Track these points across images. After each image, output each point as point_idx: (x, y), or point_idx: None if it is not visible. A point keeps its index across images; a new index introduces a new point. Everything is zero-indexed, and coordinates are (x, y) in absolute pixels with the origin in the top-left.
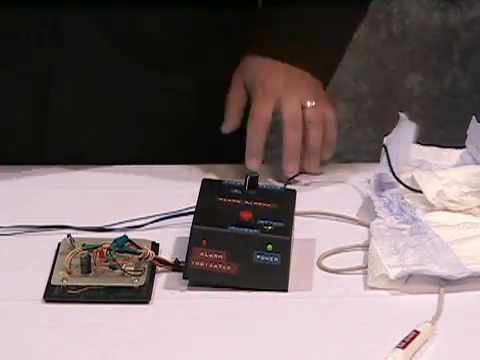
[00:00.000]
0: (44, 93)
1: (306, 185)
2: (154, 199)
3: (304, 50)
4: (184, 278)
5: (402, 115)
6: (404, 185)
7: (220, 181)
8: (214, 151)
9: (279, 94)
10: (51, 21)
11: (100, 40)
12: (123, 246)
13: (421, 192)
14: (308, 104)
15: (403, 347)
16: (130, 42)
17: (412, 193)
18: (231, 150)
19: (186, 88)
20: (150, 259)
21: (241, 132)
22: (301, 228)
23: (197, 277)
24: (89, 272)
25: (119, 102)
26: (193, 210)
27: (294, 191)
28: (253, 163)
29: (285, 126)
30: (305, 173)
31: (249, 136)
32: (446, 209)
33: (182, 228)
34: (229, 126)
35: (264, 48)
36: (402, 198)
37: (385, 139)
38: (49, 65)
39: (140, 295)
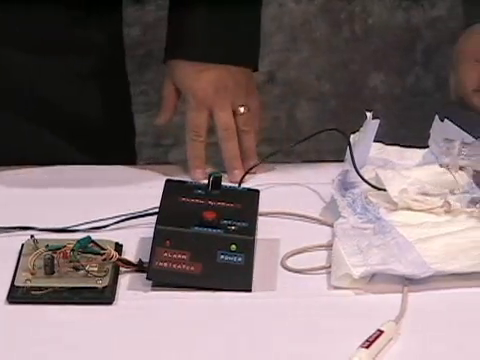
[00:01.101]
0: None
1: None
2: (117, 199)
3: (228, 45)
4: (148, 279)
5: (369, 114)
6: (368, 183)
7: (184, 181)
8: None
9: (210, 102)
10: None
11: None
12: (87, 247)
13: (385, 190)
14: (240, 110)
15: (367, 347)
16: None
17: (376, 191)
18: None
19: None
20: (114, 260)
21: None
22: (265, 228)
23: (161, 278)
24: (53, 273)
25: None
26: (157, 210)
27: (257, 191)
28: (198, 174)
29: (220, 138)
30: (249, 172)
31: (189, 149)
32: (409, 208)
33: (146, 228)
34: (162, 120)
35: (187, 52)
36: (366, 197)
37: (351, 138)
38: None
39: (104, 296)
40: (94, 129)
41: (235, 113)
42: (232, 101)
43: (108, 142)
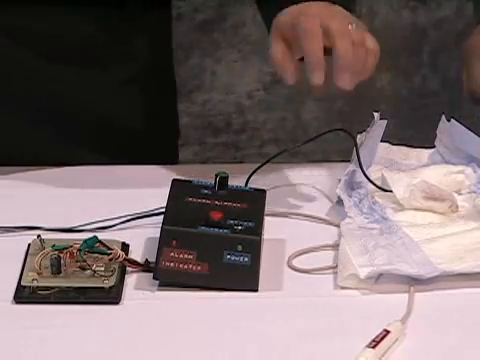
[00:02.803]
0: None
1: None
2: (124, 199)
3: None
4: (154, 278)
5: (376, 115)
6: (374, 184)
7: (190, 181)
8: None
9: (322, 15)
10: None
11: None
12: (93, 247)
13: (391, 191)
14: (350, 26)
15: (373, 347)
16: (36, 39)
17: (382, 192)
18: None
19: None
20: (120, 260)
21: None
22: (271, 228)
23: (167, 277)
24: (59, 273)
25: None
26: (163, 210)
27: (264, 191)
28: (318, 77)
29: (335, 37)
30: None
31: (308, 47)
32: (416, 208)
33: (152, 228)
34: (292, 77)
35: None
36: (372, 197)
37: (357, 138)
38: None
39: (110, 296)
40: (137, 131)
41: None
42: (343, 19)
43: (151, 144)
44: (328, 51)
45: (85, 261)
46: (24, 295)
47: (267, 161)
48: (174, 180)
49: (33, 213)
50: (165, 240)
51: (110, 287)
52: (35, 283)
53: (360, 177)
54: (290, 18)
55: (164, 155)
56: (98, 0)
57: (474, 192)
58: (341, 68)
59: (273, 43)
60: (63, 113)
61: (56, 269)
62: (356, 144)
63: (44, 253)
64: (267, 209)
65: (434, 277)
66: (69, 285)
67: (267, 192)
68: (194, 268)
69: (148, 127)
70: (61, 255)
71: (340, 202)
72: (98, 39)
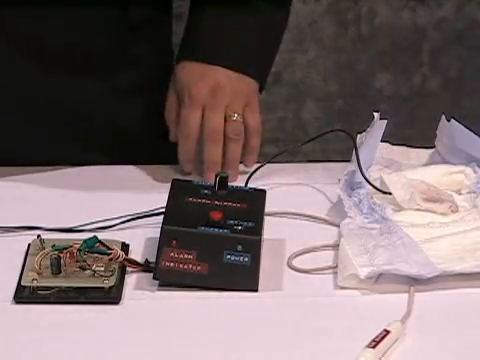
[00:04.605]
0: None
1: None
2: (124, 199)
3: (233, 50)
4: (154, 278)
5: (376, 115)
6: (374, 187)
7: (190, 181)
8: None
9: (204, 101)
10: None
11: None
12: (93, 247)
13: (390, 193)
14: (231, 117)
15: (373, 347)
16: (33, 42)
17: (381, 194)
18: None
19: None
20: (120, 260)
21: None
22: (271, 228)
23: (167, 277)
24: (59, 273)
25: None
26: (163, 210)
27: (264, 191)
28: (187, 166)
29: (205, 140)
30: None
31: (180, 146)
32: (416, 209)
33: (152, 228)
34: (173, 138)
35: (192, 52)
36: (372, 197)
37: (357, 138)
38: None
39: (110, 296)
40: (138, 131)
41: (226, 119)
42: (226, 105)
43: (151, 144)
44: None
45: (85, 261)
46: (24, 295)
47: (267, 161)
48: (174, 180)
49: (33, 213)
50: (165, 240)
51: (110, 287)
52: (35, 283)
53: (360, 177)
54: (184, 84)
55: (164, 155)
56: (100, 5)
57: (474, 192)
58: (207, 169)
59: (169, 96)
60: (63, 114)
61: (56, 269)
62: (356, 144)
63: (44, 253)
64: (267, 209)
65: (434, 277)
66: (69, 285)
67: (267, 192)
68: (194, 268)
69: (149, 127)
70: (61, 255)
71: (340, 202)
72: (100, 46)
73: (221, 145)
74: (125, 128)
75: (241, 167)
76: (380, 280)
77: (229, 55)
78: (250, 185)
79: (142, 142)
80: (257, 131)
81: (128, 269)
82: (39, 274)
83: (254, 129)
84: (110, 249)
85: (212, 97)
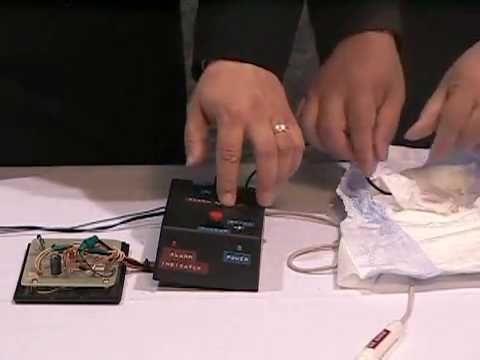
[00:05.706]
0: None
1: None
2: (124, 200)
3: (258, 47)
4: (154, 279)
5: None
6: (375, 187)
7: (190, 181)
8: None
9: (247, 119)
10: None
11: None
12: (93, 247)
13: (390, 194)
14: (278, 128)
15: (373, 347)
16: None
17: (381, 195)
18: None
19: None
20: (120, 260)
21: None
22: (271, 228)
23: (167, 277)
24: (59, 273)
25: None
26: (163, 210)
27: None
28: (228, 199)
29: (259, 157)
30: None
31: (220, 170)
32: (416, 209)
33: (152, 228)
34: (195, 159)
35: (221, 48)
36: (372, 197)
37: None
38: None
39: (110, 296)
40: (138, 132)
41: (274, 132)
42: (270, 119)
43: (151, 144)
44: None
45: (85, 261)
46: (24, 295)
47: None
48: (174, 180)
49: (33, 213)
50: (165, 240)
51: (110, 287)
52: (35, 283)
53: (360, 177)
54: (215, 101)
55: (164, 155)
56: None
57: (474, 192)
58: (262, 188)
59: (191, 115)
60: (63, 114)
61: (56, 269)
62: None
63: (44, 253)
64: (267, 209)
65: (434, 277)
66: (69, 285)
67: None
68: (194, 268)
69: (149, 127)
70: (61, 255)
71: (340, 202)
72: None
73: (276, 159)
74: (125, 128)
75: (241, 167)
76: (380, 280)
77: (259, 51)
78: (250, 185)
79: (142, 142)
80: (300, 148)
81: (128, 269)
82: (39, 274)
83: (297, 145)
84: (110, 249)
85: (254, 111)
